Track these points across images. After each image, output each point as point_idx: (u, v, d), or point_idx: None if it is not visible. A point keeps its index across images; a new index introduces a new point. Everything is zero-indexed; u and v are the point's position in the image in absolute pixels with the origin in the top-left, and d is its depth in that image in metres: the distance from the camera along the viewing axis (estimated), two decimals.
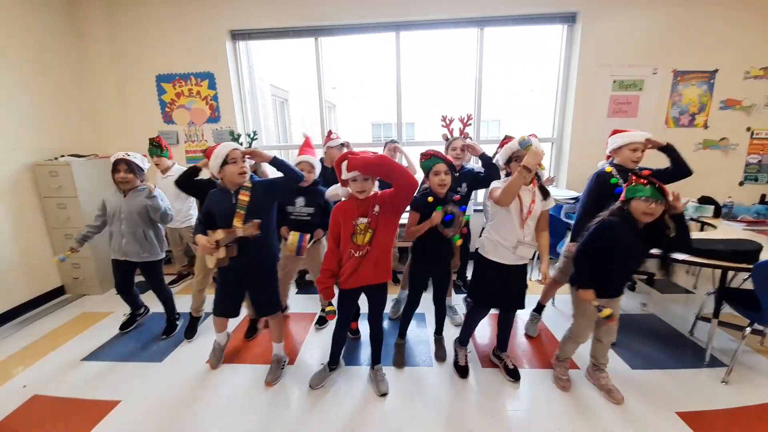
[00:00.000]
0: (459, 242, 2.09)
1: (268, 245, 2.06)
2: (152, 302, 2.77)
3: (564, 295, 2.88)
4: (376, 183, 1.86)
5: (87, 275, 3.38)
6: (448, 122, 2.69)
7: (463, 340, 2.26)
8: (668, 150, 2.17)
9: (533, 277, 2.13)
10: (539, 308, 2.65)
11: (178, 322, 2.78)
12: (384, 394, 2.02)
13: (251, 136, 3.19)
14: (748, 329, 2.01)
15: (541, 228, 1.94)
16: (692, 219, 2.94)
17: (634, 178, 1.69)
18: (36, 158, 3.22)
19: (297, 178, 1.99)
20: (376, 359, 2.14)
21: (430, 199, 1.99)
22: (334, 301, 1.90)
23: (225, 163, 1.89)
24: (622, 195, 1.72)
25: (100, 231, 2.53)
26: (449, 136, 2.64)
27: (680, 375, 2.12)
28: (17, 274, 3.09)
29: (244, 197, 1.92)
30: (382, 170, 1.68)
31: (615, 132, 2.26)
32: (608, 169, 2.18)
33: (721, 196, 3.10)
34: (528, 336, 2.58)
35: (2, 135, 2.99)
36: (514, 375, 2.13)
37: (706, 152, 3.71)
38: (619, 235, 1.69)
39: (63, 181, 3.18)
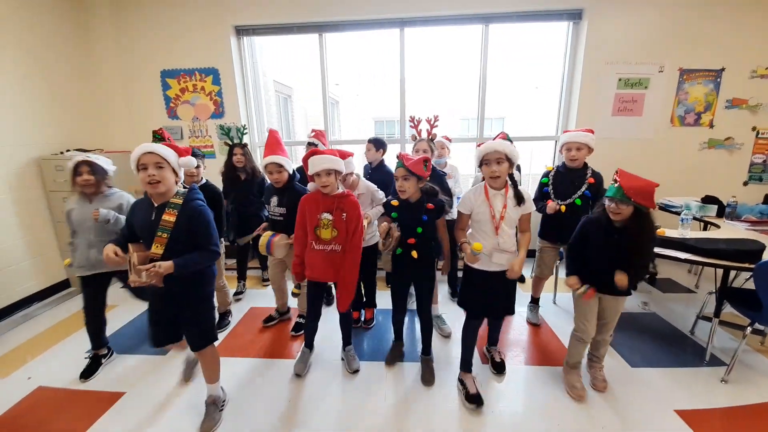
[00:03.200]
0: (414, 254, 1.94)
1: (199, 271, 1.67)
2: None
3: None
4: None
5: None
6: (416, 123, 2.66)
7: (465, 365, 2.06)
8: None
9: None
10: (534, 301, 2.78)
11: None
12: (356, 371, 2.17)
13: (241, 130, 3.21)
14: (749, 329, 2.01)
15: (522, 229, 1.94)
16: (695, 218, 2.93)
17: (615, 175, 1.71)
18: (42, 152, 3.25)
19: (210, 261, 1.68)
20: (346, 340, 2.27)
21: (395, 202, 1.98)
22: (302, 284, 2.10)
23: (138, 169, 1.54)
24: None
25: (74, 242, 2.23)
26: (417, 137, 2.61)
27: (680, 373, 2.13)
28: (23, 267, 3.13)
29: (169, 217, 1.54)
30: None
31: (566, 131, 2.43)
32: (549, 167, 2.41)
33: (725, 195, 3.09)
34: (532, 324, 2.68)
35: (8, 129, 3.02)
36: (498, 368, 2.16)
37: (711, 151, 3.69)
38: (590, 231, 1.83)
39: (68, 175, 3.17)
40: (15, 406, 1.97)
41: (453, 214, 2.39)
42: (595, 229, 1.80)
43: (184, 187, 1.69)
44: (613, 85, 3.60)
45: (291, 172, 2.33)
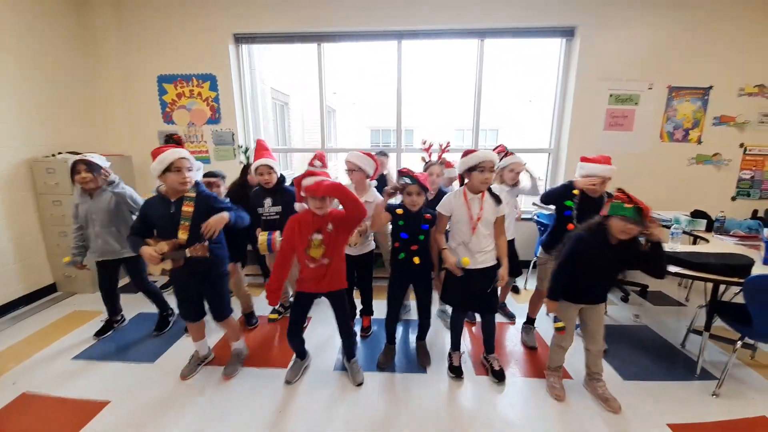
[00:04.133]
0: (416, 260, 2.09)
1: (215, 251, 2.01)
2: (144, 303, 2.75)
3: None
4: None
5: (79, 274, 3.32)
6: (427, 146, 2.82)
7: (453, 345, 2.29)
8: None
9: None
10: (530, 321, 2.67)
11: (170, 318, 2.78)
12: (360, 384, 2.13)
13: (245, 151, 3.25)
14: (739, 343, 2.03)
15: (497, 233, 2.04)
16: (685, 232, 2.97)
17: (618, 194, 1.71)
18: (33, 154, 3.21)
19: (244, 226, 2.07)
20: (350, 355, 2.23)
21: (399, 211, 2.08)
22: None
23: (168, 170, 1.82)
24: (604, 210, 1.77)
25: (84, 234, 2.51)
26: (428, 160, 2.75)
27: (671, 387, 2.13)
28: (9, 270, 3.06)
29: (188, 208, 1.86)
30: (336, 195, 1.81)
31: (584, 159, 2.28)
32: (575, 191, 2.25)
33: (713, 210, 3.14)
34: (527, 347, 2.55)
35: (0, 130, 2.98)
36: (498, 376, 2.16)
37: (700, 167, 3.77)
38: (584, 250, 1.80)
39: (60, 178, 3.16)
40: None
41: None
42: (592, 248, 1.79)
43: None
44: (605, 101, 3.68)
45: (279, 174, 2.57)
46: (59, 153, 3.32)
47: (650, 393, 2.08)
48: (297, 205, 2.09)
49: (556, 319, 1.95)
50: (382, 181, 3.04)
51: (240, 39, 3.86)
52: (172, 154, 1.81)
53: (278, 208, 2.53)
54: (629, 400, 2.00)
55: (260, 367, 2.30)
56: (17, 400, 2.01)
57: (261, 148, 2.59)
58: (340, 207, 1.90)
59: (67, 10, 3.53)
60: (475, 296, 2.07)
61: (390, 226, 2.17)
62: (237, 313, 2.46)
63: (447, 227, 2.11)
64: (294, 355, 2.27)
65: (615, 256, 1.79)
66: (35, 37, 3.22)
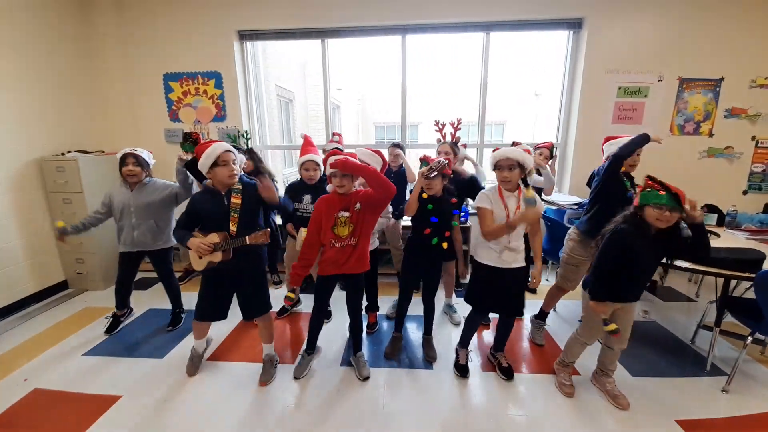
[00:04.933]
0: (445, 245, 2.15)
1: (258, 246, 2.02)
2: (153, 299, 2.79)
3: (565, 301, 2.87)
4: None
5: (90, 271, 3.41)
6: (440, 127, 2.83)
7: (463, 343, 2.27)
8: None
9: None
10: (542, 315, 2.61)
11: (182, 315, 2.81)
12: (366, 378, 2.14)
13: (245, 136, 3.27)
14: (750, 338, 2.01)
15: (533, 232, 2.00)
16: None
17: (649, 182, 1.65)
18: (43, 153, 3.25)
19: (286, 212, 2.17)
20: (357, 347, 2.24)
21: (425, 195, 2.10)
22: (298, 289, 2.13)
23: (215, 164, 1.86)
24: (636, 200, 1.69)
25: (103, 222, 2.56)
26: (441, 140, 2.77)
27: (680, 383, 2.12)
28: (21, 267, 3.12)
29: (236, 200, 1.91)
30: (361, 174, 1.83)
31: (608, 139, 2.26)
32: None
33: (724, 204, 3.09)
34: (535, 344, 2.54)
35: (10, 130, 3.02)
36: (507, 373, 2.15)
37: (711, 160, 3.70)
38: (630, 243, 1.65)
39: (69, 176, 3.20)
40: (10, 408, 1.95)
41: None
42: (636, 241, 1.65)
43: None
44: (613, 94, 3.63)
45: (323, 172, 2.53)
46: (68, 152, 3.37)
47: (659, 389, 2.07)
48: (329, 186, 2.10)
49: (606, 322, 1.73)
50: (401, 175, 3.05)
51: (244, 36, 3.86)
52: (219, 147, 1.85)
53: None
54: (638, 396, 1.99)
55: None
56: (29, 396, 2.05)
57: (308, 144, 2.61)
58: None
59: (71, 9, 3.55)
60: (502, 297, 2.02)
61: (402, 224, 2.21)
62: None
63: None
64: (301, 351, 2.29)
65: (657, 248, 1.70)
66: (40, 37, 3.25)
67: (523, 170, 1.87)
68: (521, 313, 2.06)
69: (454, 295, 3.01)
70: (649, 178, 1.66)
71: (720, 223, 2.98)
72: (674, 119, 3.66)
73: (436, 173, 2.00)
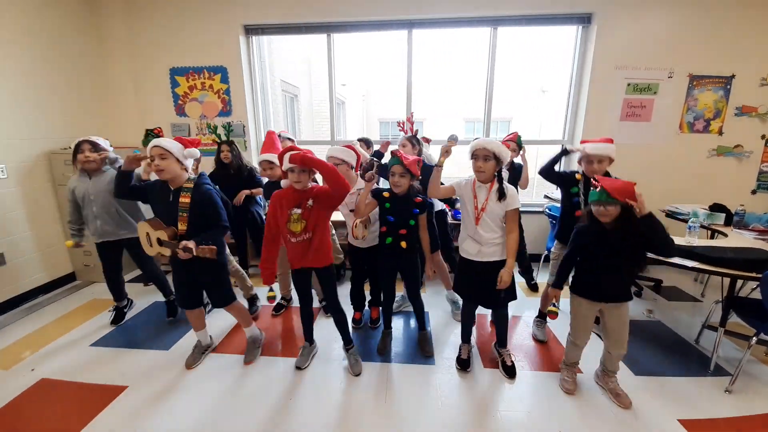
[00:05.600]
0: (403, 244, 2.16)
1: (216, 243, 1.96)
2: (158, 292, 2.81)
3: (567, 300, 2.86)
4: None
5: (97, 263, 3.39)
6: (402, 126, 3.00)
7: (463, 336, 2.29)
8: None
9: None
10: (542, 315, 2.63)
11: (176, 303, 2.83)
12: (358, 374, 2.15)
13: (227, 128, 3.29)
14: (754, 339, 1.99)
15: (508, 230, 1.96)
16: (703, 226, 2.90)
17: (593, 181, 1.73)
18: (51, 146, 3.29)
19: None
20: (345, 341, 2.24)
21: (386, 194, 2.12)
22: (275, 287, 2.22)
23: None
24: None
25: (81, 216, 2.53)
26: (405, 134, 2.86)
27: (683, 382, 2.11)
28: (30, 259, 3.17)
29: (185, 199, 1.87)
30: (319, 169, 1.83)
31: (584, 142, 2.28)
32: (578, 176, 2.27)
33: (733, 203, 3.05)
34: (537, 340, 2.54)
35: (19, 123, 3.06)
36: (510, 372, 2.14)
37: (720, 159, 3.65)
38: (584, 239, 1.82)
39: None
40: (18, 398, 1.99)
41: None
42: (593, 238, 1.79)
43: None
44: (622, 90, 3.58)
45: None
46: None
47: (662, 388, 2.06)
48: (284, 182, 2.07)
49: (553, 305, 2.04)
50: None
51: (250, 30, 3.86)
52: (152, 143, 1.85)
53: None
54: (640, 395, 1.98)
55: (271, 356, 2.35)
56: (36, 386, 2.09)
57: (268, 142, 2.63)
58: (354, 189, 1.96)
59: (78, 4, 3.57)
60: (481, 289, 2.05)
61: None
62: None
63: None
64: (303, 343, 2.32)
65: (619, 245, 1.72)
66: (48, 32, 3.27)
67: (499, 163, 1.88)
68: (501, 305, 2.09)
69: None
70: (594, 179, 1.74)
71: (728, 222, 2.95)
72: (684, 117, 3.61)
73: (373, 175, 2.06)
